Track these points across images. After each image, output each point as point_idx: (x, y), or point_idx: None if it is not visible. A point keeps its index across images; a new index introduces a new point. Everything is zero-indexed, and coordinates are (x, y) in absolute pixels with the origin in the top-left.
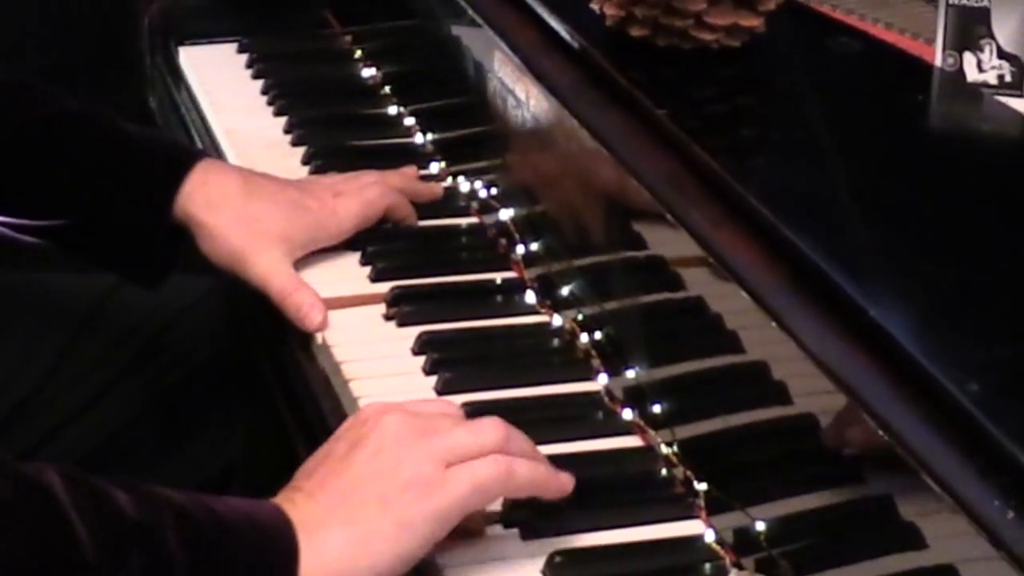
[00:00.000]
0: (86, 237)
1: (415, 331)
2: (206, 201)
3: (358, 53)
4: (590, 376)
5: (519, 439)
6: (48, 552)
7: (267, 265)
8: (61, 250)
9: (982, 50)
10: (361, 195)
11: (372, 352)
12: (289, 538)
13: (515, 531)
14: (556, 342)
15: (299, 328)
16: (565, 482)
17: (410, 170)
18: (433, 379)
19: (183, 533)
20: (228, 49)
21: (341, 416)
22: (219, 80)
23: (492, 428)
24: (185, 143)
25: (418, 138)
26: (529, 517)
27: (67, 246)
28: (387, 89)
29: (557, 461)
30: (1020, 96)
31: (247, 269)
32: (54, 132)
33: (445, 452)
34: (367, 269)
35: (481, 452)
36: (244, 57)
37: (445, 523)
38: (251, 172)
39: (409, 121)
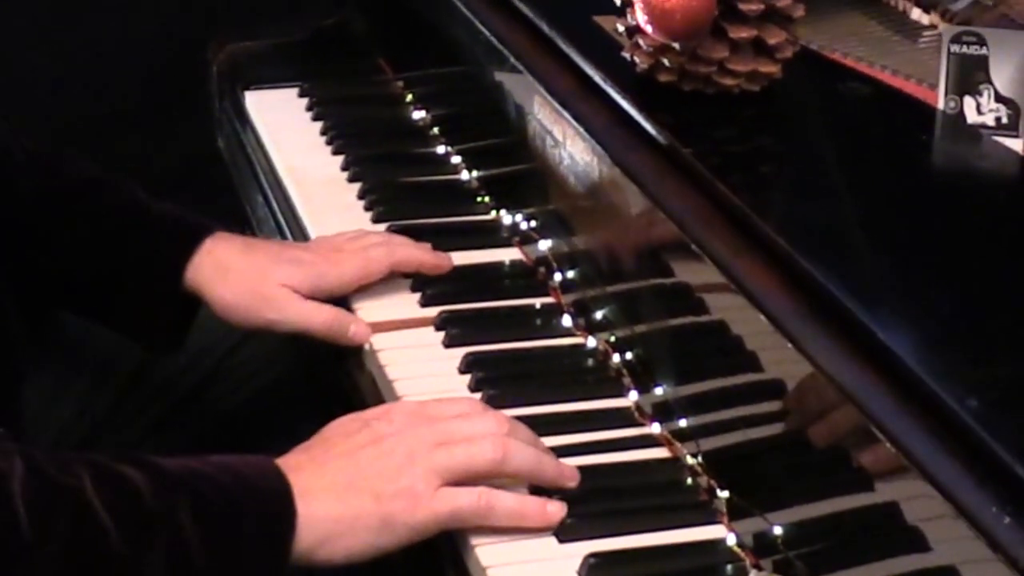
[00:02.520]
0: (101, 305)
1: (461, 351)
2: (213, 269)
3: (409, 97)
4: (621, 393)
5: (518, 454)
6: (81, 548)
7: (297, 309)
8: (75, 314)
9: (981, 94)
10: (365, 253)
11: (422, 370)
12: (289, 506)
13: (552, 534)
14: (590, 362)
15: (352, 346)
16: (552, 515)
17: (424, 246)
18: (478, 395)
19: (196, 512)
20: (290, 93)
21: None
22: (282, 122)
23: (490, 448)
24: (199, 217)
25: (464, 175)
26: (567, 521)
27: (81, 312)
28: (435, 130)
29: (591, 472)
30: (1016, 136)
31: (274, 320)
32: (74, 201)
33: (443, 470)
34: (417, 295)
35: (473, 469)
36: (305, 101)
37: (422, 534)
38: (254, 238)
39: (456, 160)
